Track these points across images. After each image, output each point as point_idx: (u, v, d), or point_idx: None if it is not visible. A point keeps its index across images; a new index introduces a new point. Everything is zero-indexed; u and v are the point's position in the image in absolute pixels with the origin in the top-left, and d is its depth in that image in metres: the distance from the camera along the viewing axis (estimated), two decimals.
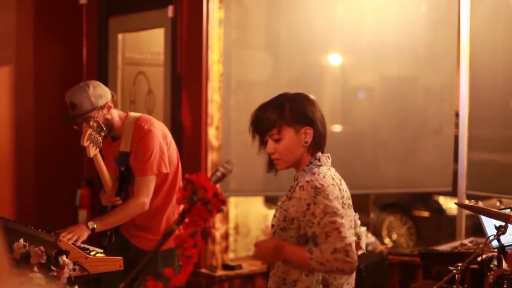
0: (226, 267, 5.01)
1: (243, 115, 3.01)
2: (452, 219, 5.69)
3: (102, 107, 3.35)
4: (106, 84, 3.52)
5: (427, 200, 7.35)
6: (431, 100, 5.22)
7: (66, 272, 2.74)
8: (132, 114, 3.51)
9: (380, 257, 4.57)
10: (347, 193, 2.55)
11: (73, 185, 5.69)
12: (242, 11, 5.05)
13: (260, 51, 5.24)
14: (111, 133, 3.44)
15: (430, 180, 5.23)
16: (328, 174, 2.46)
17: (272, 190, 5.18)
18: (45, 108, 5.54)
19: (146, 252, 3.42)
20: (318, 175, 2.43)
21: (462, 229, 4.86)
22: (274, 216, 2.55)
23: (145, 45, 5.89)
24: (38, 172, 5.59)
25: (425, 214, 7.44)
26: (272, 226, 2.53)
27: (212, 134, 4.95)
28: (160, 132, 3.41)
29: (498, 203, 4.82)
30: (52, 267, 2.72)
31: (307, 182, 2.41)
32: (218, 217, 4.97)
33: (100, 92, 3.36)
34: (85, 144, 3.17)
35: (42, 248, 2.74)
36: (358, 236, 2.63)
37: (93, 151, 3.22)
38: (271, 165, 2.55)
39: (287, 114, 2.46)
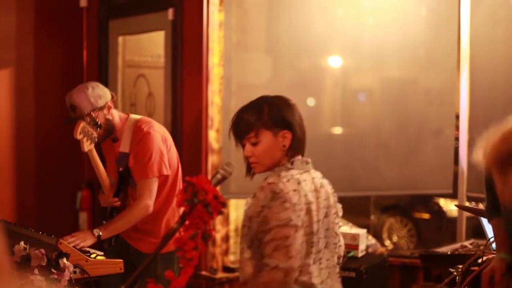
0: (226, 269, 5.01)
1: None
2: (453, 221, 5.68)
3: (102, 108, 3.35)
4: (106, 86, 3.51)
5: (428, 202, 7.35)
6: (432, 102, 5.22)
7: (67, 275, 2.74)
8: (133, 116, 3.50)
9: (380, 259, 4.56)
10: (326, 201, 2.45)
11: (74, 188, 5.69)
12: (243, 14, 5.05)
13: (260, 53, 5.24)
14: (111, 134, 3.43)
15: (430, 182, 5.21)
16: (295, 179, 2.36)
17: None
18: (46, 111, 5.54)
19: (145, 255, 3.42)
20: (282, 178, 2.35)
21: (462, 231, 4.85)
22: None
23: (145, 48, 5.88)
24: (38, 175, 5.58)
25: (426, 216, 7.44)
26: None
27: (213, 136, 4.95)
28: (160, 135, 3.40)
29: None
30: (53, 270, 2.71)
31: (268, 184, 2.34)
32: (218, 219, 4.97)
33: (99, 93, 3.35)
34: (78, 137, 3.15)
35: (42, 250, 2.73)
36: (338, 256, 2.53)
37: (87, 146, 3.19)
38: (249, 169, 2.51)
39: (265, 118, 2.41)
